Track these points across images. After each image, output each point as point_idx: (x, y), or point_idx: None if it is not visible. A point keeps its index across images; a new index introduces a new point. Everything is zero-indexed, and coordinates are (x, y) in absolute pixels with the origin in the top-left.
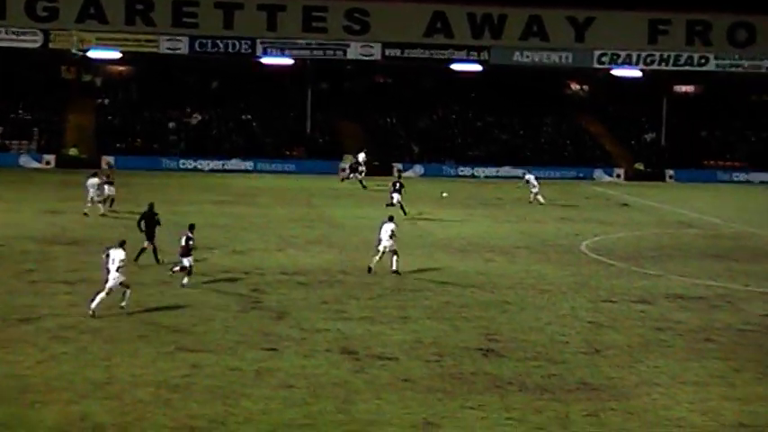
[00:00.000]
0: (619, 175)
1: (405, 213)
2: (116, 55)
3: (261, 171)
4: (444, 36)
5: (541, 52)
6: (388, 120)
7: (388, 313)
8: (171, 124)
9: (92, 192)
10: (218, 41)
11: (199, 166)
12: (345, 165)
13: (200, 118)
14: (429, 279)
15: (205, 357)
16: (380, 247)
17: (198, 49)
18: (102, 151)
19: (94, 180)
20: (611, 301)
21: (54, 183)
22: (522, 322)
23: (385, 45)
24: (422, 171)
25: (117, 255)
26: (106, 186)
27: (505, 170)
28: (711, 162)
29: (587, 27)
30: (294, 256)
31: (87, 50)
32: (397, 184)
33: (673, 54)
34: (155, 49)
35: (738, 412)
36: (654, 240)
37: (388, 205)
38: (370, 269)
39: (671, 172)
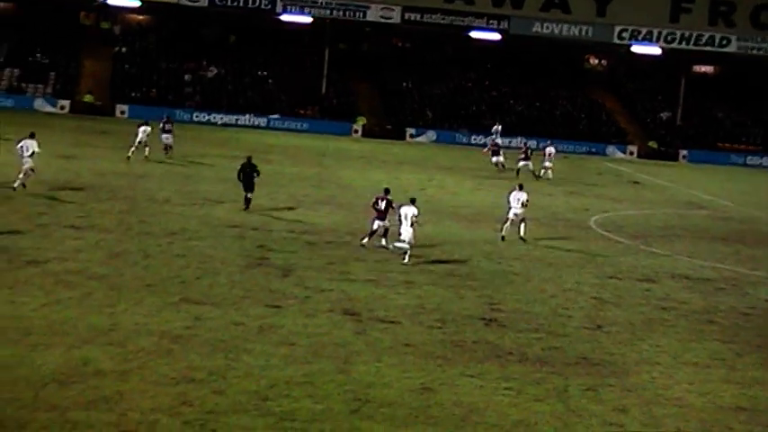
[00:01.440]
0: (632, 153)
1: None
2: (135, 3)
3: (274, 128)
4: (465, 3)
5: (562, 24)
6: (404, 84)
7: (392, 277)
8: (187, 76)
9: (141, 136)
10: None
11: (212, 120)
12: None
13: (215, 72)
14: (435, 246)
15: (209, 310)
16: (510, 215)
17: (218, 3)
18: (116, 99)
19: (147, 128)
20: (616, 278)
21: (68, 128)
22: (526, 294)
23: (405, 9)
24: (434, 137)
25: (29, 144)
26: (164, 135)
27: (518, 141)
28: (726, 144)
29: (609, 1)
30: (303, 215)
31: None
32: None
33: (694, 33)
34: (174, 0)
35: (737, 395)
36: (663, 220)
37: (536, 176)
38: (503, 238)
39: (684, 152)
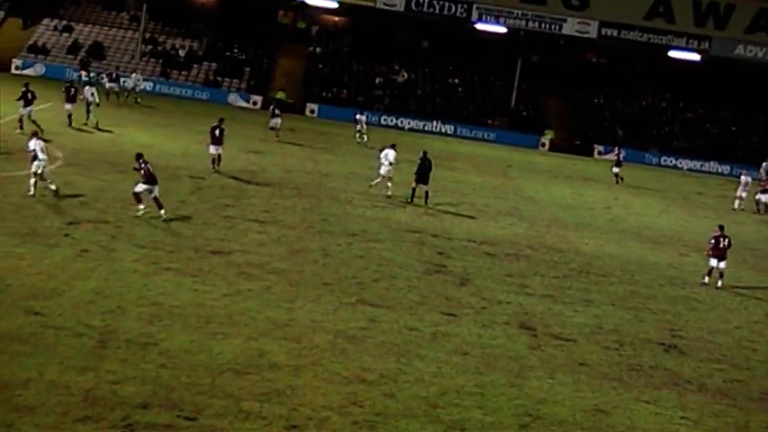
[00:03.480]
0: None
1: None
2: (333, 4)
3: (460, 136)
4: (665, 21)
5: (767, 48)
6: (595, 100)
7: (571, 294)
8: (378, 79)
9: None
10: (434, 2)
11: (400, 124)
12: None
13: (406, 76)
14: (617, 266)
15: (384, 313)
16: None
17: (414, 8)
18: (307, 98)
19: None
20: None
21: (259, 123)
22: (709, 322)
23: (602, 24)
24: (623, 155)
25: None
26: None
27: (711, 165)
28: None
29: None
30: (484, 225)
31: None
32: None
33: None
34: (371, 3)
35: None
36: None
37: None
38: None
39: None
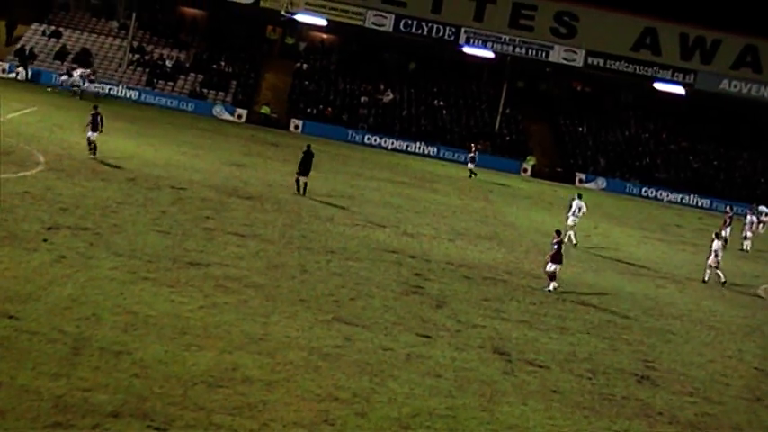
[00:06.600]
0: None
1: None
2: (322, 22)
3: (443, 159)
4: (651, 53)
5: (752, 84)
6: (579, 128)
7: (546, 321)
8: (363, 99)
9: None
10: (423, 24)
11: (383, 144)
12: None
13: (391, 96)
14: (594, 294)
15: (359, 332)
16: (711, 261)
17: (402, 29)
18: (292, 114)
19: None
20: None
21: (242, 137)
22: (683, 355)
23: (589, 53)
24: (604, 185)
25: (580, 204)
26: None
27: (691, 198)
28: None
29: None
30: (462, 248)
31: (295, 13)
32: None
33: None
34: (360, 23)
35: None
36: None
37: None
38: (704, 281)
39: None
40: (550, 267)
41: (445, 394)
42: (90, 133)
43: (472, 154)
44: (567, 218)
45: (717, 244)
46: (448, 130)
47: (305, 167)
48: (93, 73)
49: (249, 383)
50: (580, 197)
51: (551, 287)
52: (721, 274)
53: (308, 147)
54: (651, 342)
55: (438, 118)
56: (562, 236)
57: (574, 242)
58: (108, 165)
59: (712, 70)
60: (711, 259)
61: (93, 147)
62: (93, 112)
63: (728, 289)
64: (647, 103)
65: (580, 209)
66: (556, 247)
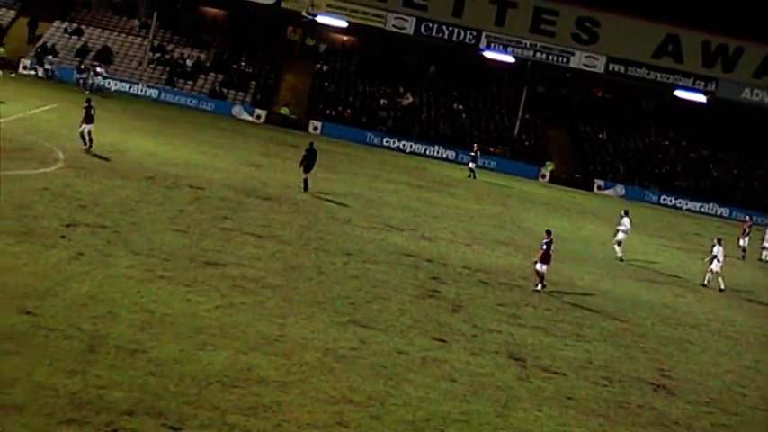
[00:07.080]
0: None
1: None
2: (343, 24)
3: (461, 163)
4: (673, 60)
5: None
6: (599, 135)
7: (562, 327)
8: (382, 101)
9: None
10: (443, 27)
11: (401, 147)
12: None
13: (411, 100)
14: (611, 302)
15: (375, 335)
16: (716, 268)
17: (423, 32)
18: (311, 115)
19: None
20: None
21: (261, 137)
22: (700, 364)
23: (610, 59)
24: (623, 192)
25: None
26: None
27: (710, 207)
28: None
29: None
30: (479, 253)
31: (316, 15)
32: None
33: None
34: (381, 25)
35: None
36: None
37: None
38: (704, 285)
39: None
40: (540, 267)
41: (460, 399)
42: (83, 126)
43: (473, 153)
44: (617, 232)
45: (718, 249)
46: (467, 134)
47: (308, 165)
48: (99, 66)
49: (264, 384)
50: (627, 214)
51: (538, 287)
52: (722, 282)
53: (311, 144)
54: (668, 351)
55: (457, 122)
56: (552, 236)
57: (619, 255)
58: (128, 163)
59: (734, 79)
60: (715, 265)
61: (89, 139)
62: (85, 104)
63: (748, 298)
64: (667, 111)
65: (626, 225)
66: (545, 247)
